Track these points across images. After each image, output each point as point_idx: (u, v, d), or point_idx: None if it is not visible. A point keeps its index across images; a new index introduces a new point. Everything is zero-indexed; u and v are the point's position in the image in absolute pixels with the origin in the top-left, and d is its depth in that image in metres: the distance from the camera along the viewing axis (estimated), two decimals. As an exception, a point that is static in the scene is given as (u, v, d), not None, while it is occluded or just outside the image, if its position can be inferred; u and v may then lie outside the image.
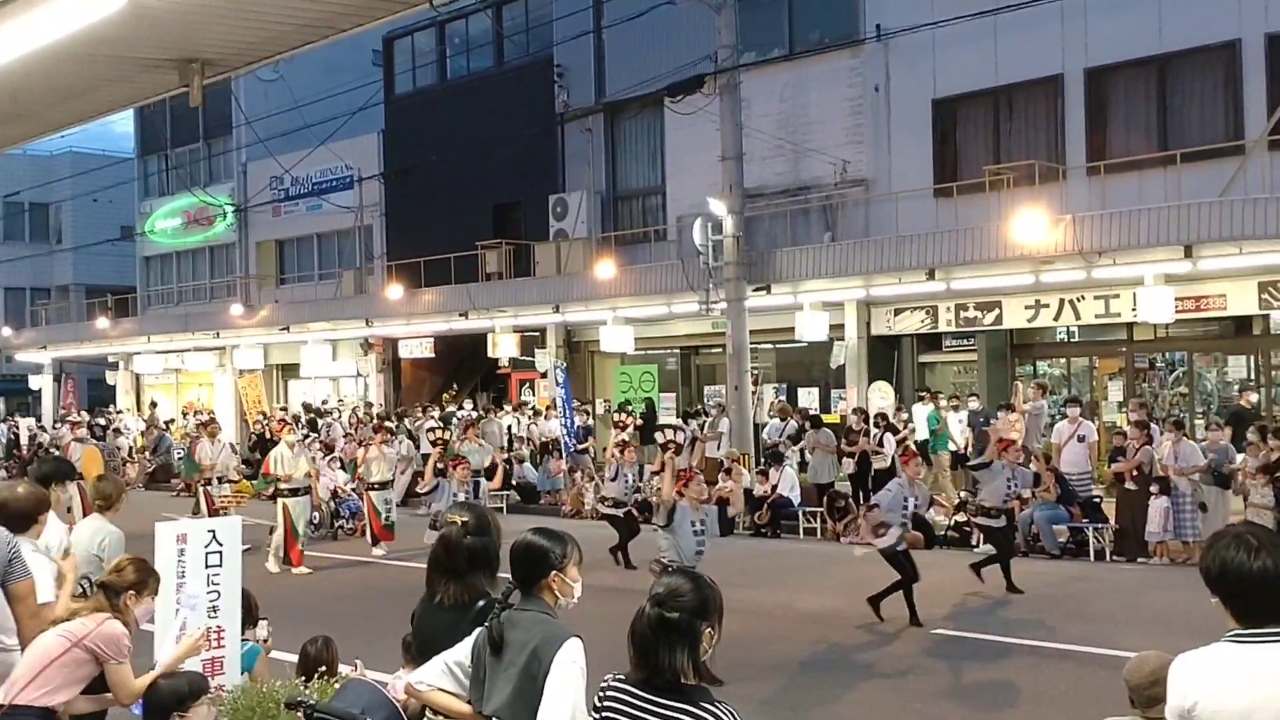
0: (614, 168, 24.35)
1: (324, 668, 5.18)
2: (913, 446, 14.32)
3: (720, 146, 18.35)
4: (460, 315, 23.76)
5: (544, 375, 23.96)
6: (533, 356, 24.60)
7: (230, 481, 17.39)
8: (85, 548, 6.22)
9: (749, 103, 19.54)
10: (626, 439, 15.29)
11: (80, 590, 5.52)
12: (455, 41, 28.19)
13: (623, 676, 2.99)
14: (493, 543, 3.80)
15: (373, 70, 28.73)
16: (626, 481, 14.00)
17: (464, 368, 27.55)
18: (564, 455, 19.82)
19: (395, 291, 24.72)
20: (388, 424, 19.22)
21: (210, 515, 14.92)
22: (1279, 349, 17.25)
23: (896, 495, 10.24)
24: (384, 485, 15.39)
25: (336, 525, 16.86)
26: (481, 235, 25.03)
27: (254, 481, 19.48)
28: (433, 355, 26.86)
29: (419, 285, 25.20)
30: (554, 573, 3.46)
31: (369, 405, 26.23)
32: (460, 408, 23.90)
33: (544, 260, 23.36)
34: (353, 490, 17.11)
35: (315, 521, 15.40)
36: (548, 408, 21.65)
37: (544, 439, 21.03)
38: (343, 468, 18.30)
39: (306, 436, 19.89)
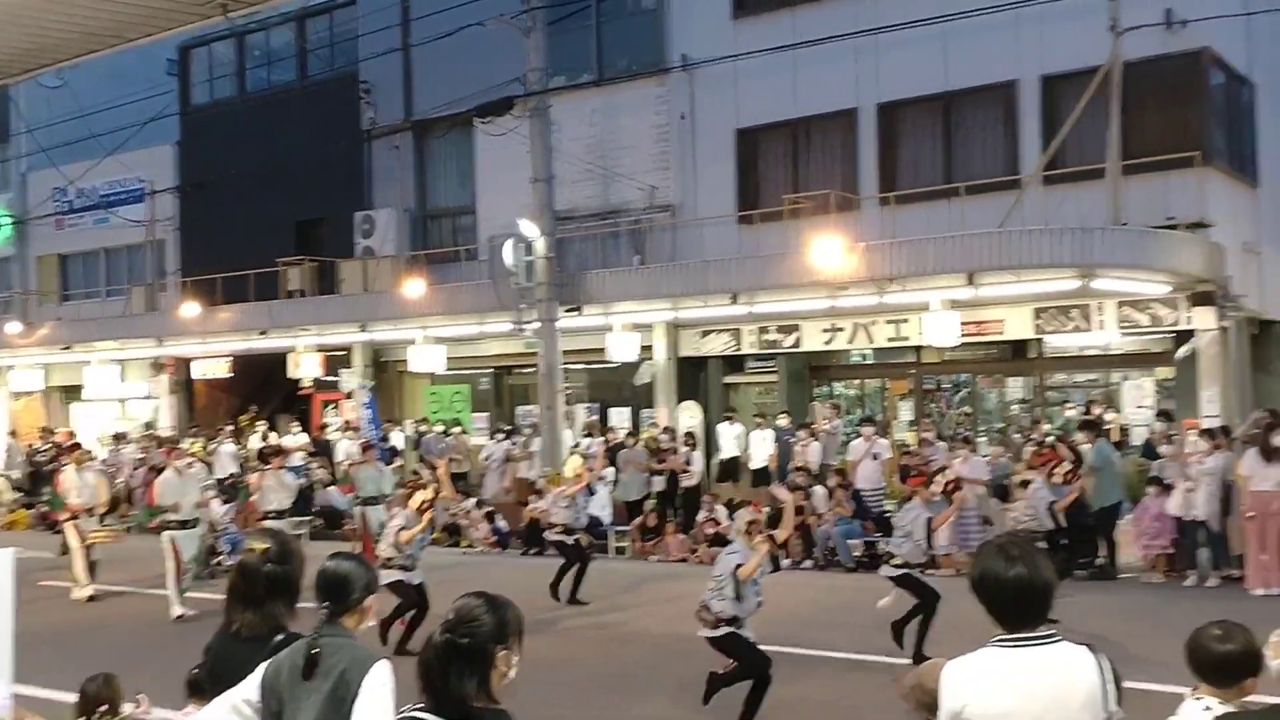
0: (423, 186, 24.08)
1: (105, 706, 4.89)
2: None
3: (531, 168, 18.43)
4: (260, 334, 22.93)
5: (349, 396, 23.38)
6: (337, 377, 23.98)
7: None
8: None
9: (559, 126, 19.68)
10: (586, 456, 13.66)
11: None
12: (256, 53, 27.30)
13: (421, 705, 2.95)
14: (294, 571, 3.71)
15: (167, 80, 27.51)
16: (579, 505, 12.88)
17: (263, 389, 26.52)
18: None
19: (190, 309, 23.63)
20: (181, 445, 18.19)
21: (83, 553, 13.46)
22: (1053, 371, 18.56)
23: (918, 517, 9.85)
24: (280, 515, 13.92)
25: (214, 562, 14.94)
26: (283, 252, 24.26)
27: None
28: (229, 375, 25.83)
29: (216, 303, 24.18)
30: (370, 598, 3.48)
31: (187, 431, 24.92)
32: (254, 431, 23.03)
33: (350, 278, 22.84)
34: (230, 522, 15.65)
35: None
36: (353, 429, 21.11)
37: (347, 461, 20.44)
38: (225, 497, 16.43)
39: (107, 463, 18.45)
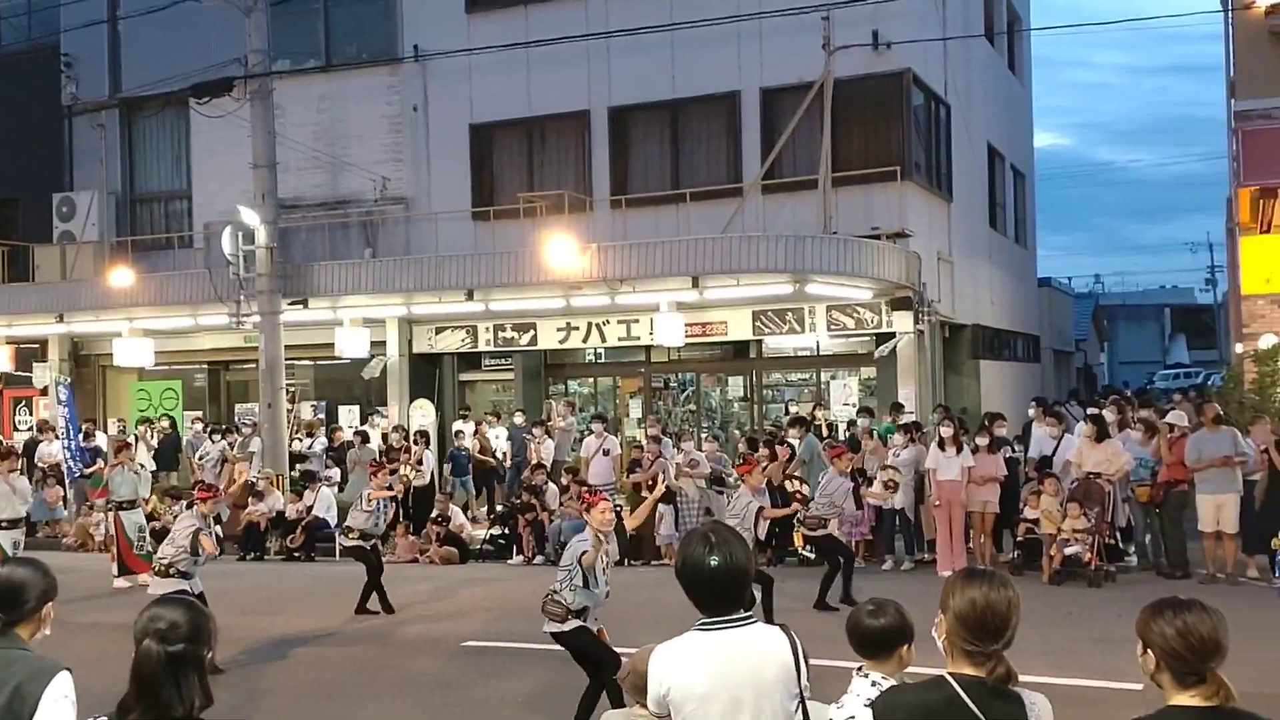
0: (132, 168, 22.52)
1: None
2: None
3: (252, 153, 17.60)
4: (-61, 324, 20.77)
5: (44, 392, 21.55)
6: (30, 372, 22.06)
7: None
8: None
9: (284, 111, 18.88)
10: (386, 462, 12.49)
11: None
12: (-63, 15, 24.67)
13: (108, 717, 2.76)
14: None
15: None
16: (377, 509, 11.97)
17: (-56, 385, 24.03)
18: (67, 481, 17.93)
19: None
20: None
21: None
22: (770, 370, 19.55)
23: (749, 504, 10.11)
24: (13, 524, 12.65)
25: None
26: (-31, 235, 22.10)
27: None
28: (-98, 370, 23.22)
29: (-115, 289, 21.72)
30: (48, 605, 3.30)
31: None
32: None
33: (46, 265, 21.14)
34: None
35: None
36: (48, 429, 19.46)
37: (43, 464, 18.82)
38: None
39: None
